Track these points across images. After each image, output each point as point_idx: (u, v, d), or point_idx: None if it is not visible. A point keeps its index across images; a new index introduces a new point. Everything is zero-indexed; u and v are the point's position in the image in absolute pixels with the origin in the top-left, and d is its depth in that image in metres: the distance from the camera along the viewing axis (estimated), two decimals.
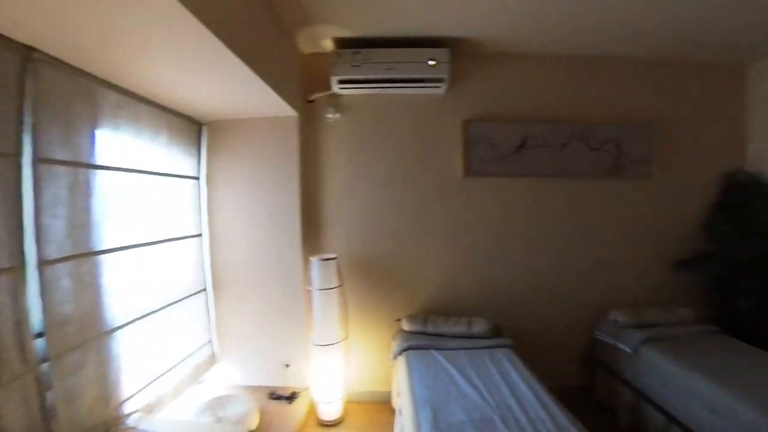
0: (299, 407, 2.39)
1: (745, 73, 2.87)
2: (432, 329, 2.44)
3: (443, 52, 2.36)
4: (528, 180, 2.73)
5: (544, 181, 2.74)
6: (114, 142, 1.74)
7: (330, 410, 2.43)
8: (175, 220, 2.25)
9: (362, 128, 2.68)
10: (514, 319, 2.70)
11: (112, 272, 1.69)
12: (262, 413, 2.24)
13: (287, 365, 2.56)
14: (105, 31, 1.28)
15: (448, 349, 2.25)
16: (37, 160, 1.34)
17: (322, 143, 2.69)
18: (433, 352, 2.22)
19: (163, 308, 2.05)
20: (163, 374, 2.01)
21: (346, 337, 2.51)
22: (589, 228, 2.78)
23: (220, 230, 2.56)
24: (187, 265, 2.35)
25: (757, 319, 2.49)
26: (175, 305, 2.17)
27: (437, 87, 2.51)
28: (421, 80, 2.43)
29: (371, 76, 2.38)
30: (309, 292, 2.46)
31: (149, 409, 1.82)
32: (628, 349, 2.33)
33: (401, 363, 2.19)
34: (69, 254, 1.45)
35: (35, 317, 1.32)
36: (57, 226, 1.41)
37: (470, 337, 2.38)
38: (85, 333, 1.52)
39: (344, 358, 2.48)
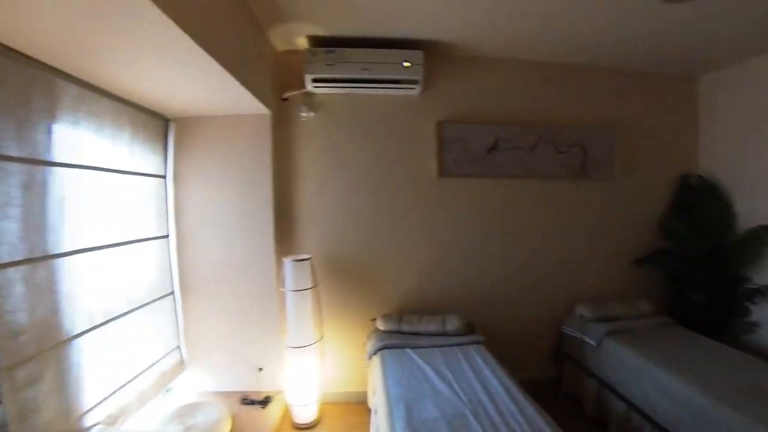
0: (273, 411, 2.35)
1: (696, 84, 3.10)
2: (407, 328, 2.46)
3: (418, 54, 2.39)
4: (499, 181, 2.81)
5: (514, 182, 2.83)
6: (74, 138, 1.64)
7: (305, 413, 2.40)
8: (140, 220, 2.15)
9: (337, 128, 2.67)
10: (487, 316, 2.77)
11: (72, 277, 1.59)
12: (235, 419, 2.18)
13: (260, 369, 2.51)
14: (62, 19, 1.20)
15: (423, 347, 2.28)
16: None
17: (296, 142, 2.65)
18: (407, 350, 2.24)
19: (127, 313, 1.96)
20: (128, 383, 1.92)
21: (320, 338, 2.49)
22: (556, 227, 2.90)
23: (189, 231, 2.46)
24: (152, 267, 2.25)
25: (707, 310, 2.69)
26: (140, 310, 2.07)
27: (412, 89, 2.53)
28: (396, 81, 2.44)
29: (346, 76, 2.38)
30: (282, 293, 2.42)
31: (112, 420, 1.73)
32: (592, 342, 2.45)
33: (376, 362, 2.20)
34: (23, 258, 1.36)
35: None
36: (9, 227, 1.31)
37: (444, 334, 2.42)
38: (42, 342, 1.42)
39: (319, 360, 2.46)
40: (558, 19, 2.22)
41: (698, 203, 2.89)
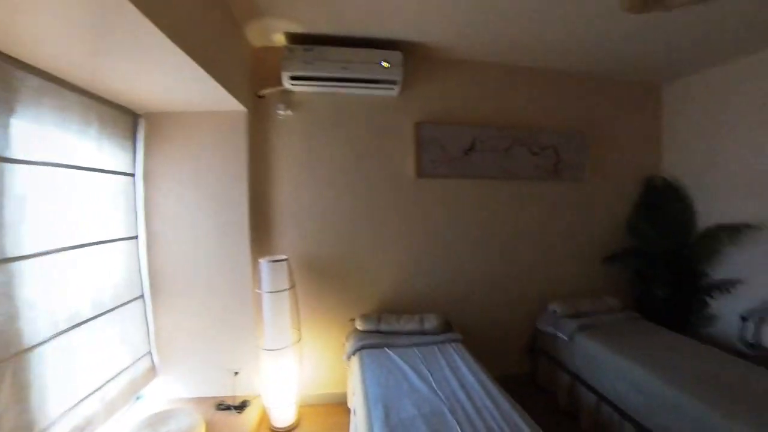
0: (250, 416, 2.30)
1: (660, 91, 3.26)
2: (385, 327, 2.47)
3: (397, 55, 2.40)
4: (476, 181, 2.86)
5: (490, 183, 2.89)
6: (36, 133, 1.55)
7: (283, 416, 2.37)
8: (108, 220, 2.05)
9: (315, 126, 2.64)
10: (464, 314, 2.82)
11: (33, 281, 1.50)
12: (209, 426, 2.12)
13: (236, 373, 2.44)
14: (16, 5, 1.12)
15: (401, 346, 2.29)
16: None
17: (273, 141, 2.60)
18: (386, 350, 2.25)
19: (93, 319, 1.86)
20: (94, 392, 1.82)
21: (298, 340, 2.46)
22: (531, 227, 2.99)
23: (159, 231, 2.37)
24: (121, 270, 2.15)
25: (669, 305, 2.84)
26: (107, 315, 1.98)
27: (391, 89, 2.54)
28: (375, 81, 2.44)
29: (324, 74, 2.35)
30: (258, 295, 2.37)
31: None
32: (564, 337, 2.53)
33: (355, 362, 2.19)
34: None
35: None
36: None
37: (422, 333, 2.44)
38: None
39: (297, 362, 2.42)
40: (533, 26, 2.29)
41: (662, 204, 3.05)
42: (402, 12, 2.14)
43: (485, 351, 2.46)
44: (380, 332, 2.45)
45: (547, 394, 2.71)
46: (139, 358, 2.25)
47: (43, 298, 1.56)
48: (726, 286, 2.69)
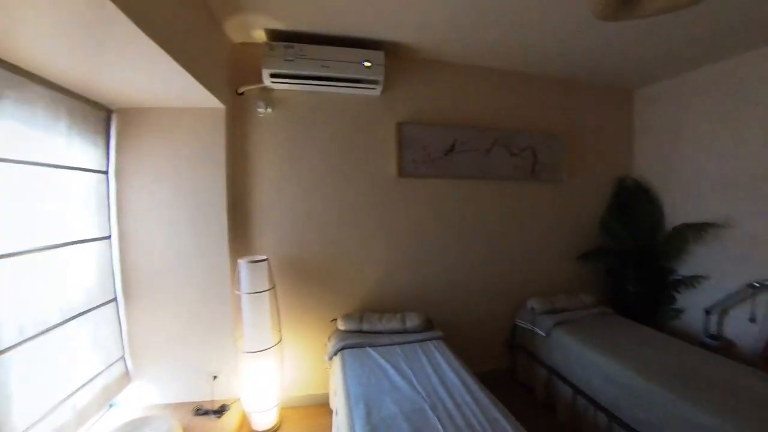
0: (230, 420, 2.25)
1: (632, 96, 3.40)
2: (367, 327, 2.47)
3: (379, 55, 2.40)
4: (457, 181, 2.90)
5: (470, 183, 2.94)
6: None
7: (264, 419, 2.33)
8: (78, 220, 1.96)
9: (296, 125, 2.61)
10: (445, 312, 2.85)
11: None
12: None
13: (215, 377, 2.38)
14: None
15: (383, 345, 2.30)
16: None
17: (253, 139, 2.56)
18: (368, 349, 2.25)
19: (62, 324, 1.78)
20: (65, 400, 1.74)
21: (279, 342, 2.42)
22: (510, 226, 3.06)
23: (133, 231, 2.28)
24: (92, 272, 2.07)
25: (640, 300, 2.97)
26: (77, 319, 1.89)
27: (373, 89, 2.54)
28: (357, 80, 2.44)
29: (305, 72, 2.33)
30: (237, 296, 2.33)
31: None
32: (542, 333, 2.61)
33: (337, 363, 2.18)
34: None
35: None
36: None
37: (404, 332, 2.46)
38: None
39: (278, 364, 2.39)
40: (513, 31, 2.34)
41: (633, 204, 3.19)
42: (383, 12, 2.14)
43: (466, 348, 2.50)
44: (362, 332, 2.44)
45: (526, 388, 2.78)
46: (112, 364, 2.16)
47: (9, 303, 1.48)
48: (691, 282, 2.84)
